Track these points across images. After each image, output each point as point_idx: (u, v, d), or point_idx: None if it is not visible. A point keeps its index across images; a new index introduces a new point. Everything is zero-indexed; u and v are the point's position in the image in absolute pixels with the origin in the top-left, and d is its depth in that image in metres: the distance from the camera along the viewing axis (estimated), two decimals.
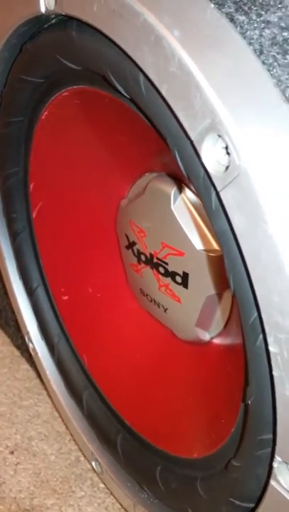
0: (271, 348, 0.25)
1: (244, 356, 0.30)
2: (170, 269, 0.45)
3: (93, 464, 0.56)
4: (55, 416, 0.65)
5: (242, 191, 0.24)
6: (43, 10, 0.35)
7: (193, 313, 0.45)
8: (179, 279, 0.45)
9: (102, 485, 0.57)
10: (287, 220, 0.23)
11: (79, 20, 0.32)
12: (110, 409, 0.52)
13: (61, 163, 0.48)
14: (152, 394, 0.49)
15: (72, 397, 0.56)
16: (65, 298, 0.55)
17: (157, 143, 0.31)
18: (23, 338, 0.62)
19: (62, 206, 0.51)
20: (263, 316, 0.25)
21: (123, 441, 0.50)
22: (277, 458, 0.28)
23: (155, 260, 0.47)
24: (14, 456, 0.62)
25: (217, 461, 0.38)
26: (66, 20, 0.35)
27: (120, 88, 0.31)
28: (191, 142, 0.25)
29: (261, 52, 0.24)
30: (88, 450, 0.56)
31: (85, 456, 0.59)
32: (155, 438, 0.47)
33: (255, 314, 0.26)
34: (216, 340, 0.46)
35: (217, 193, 0.25)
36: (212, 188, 0.26)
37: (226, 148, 0.24)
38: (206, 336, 0.46)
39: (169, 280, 0.46)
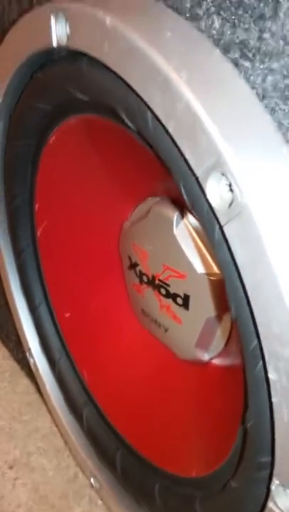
0: (270, 375, 0.26)
1: (243, 380, 0.31)
2: (171, 290, 0.46)
3: (92, 480, 0.57)
4: (54, 431, 0.66)
5: (244, 226, 0.25)
6: (54, 44, 0.36)
7: (193, 334, 0.46)
8: (180, 300, 0.46)
9: (100, 501, 0.58)
10: (287, 254, 0.25)
11: (89, 55, 0.34)
12: (110, 427, 0.53)
13: (66, 185, 0.50)
14: (152, 412, 0.50)
15: (72, 414, 0.57)
16: (67, 315, 0.56)
17: (160, 170, 0.33)
18: (23, 352, 0.63)
19: (66, 226, 0.53)
20: (263, 344, 0.27)
21: (122, 458, 0.51)
22: (275, 481, 0.29)
23: (157, 282, 0.48)
24: (13, 471, 0.62)
25: (215, 481, 0.39)
26: (77, 54, 0.36)
27: (128, 122, 0.33)
28: (196, 178, 0.27)
29: (264, 97, 0.25)
30: (87, 466, 0.57)
31: (83, 472, 0.60)
32: (154, 456, 0.48)
33: (256, 342, 0.28)
34: (216, 361, 0.47)
35: (220, 227, 0.27)
36: (216, 222, 0.27)
37: (230, 185, 0.25)
38: (205, 357, 0.47)
39: (170, 301, 0.47)
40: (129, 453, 0.50)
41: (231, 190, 0.25)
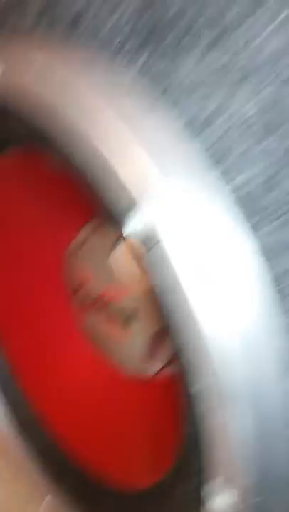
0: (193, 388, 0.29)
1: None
2: (115, 309, 0.48)
3: (46, 501, 0.56)
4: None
5: (160, 256, 0.28)
6: None
7: (138, 349, 0.48)
8: (124, 317, 0.48)
9: None
10: (197, 282, 0.28)
11: None
12: (60, 448, 0.53)
13: (7, 217, 0.51)
14: (103, 431, 0.51)
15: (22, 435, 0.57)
16: (15, 342, 0.56)
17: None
18: None
19: (11, 255, 0.54)
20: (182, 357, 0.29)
21: (75, 483, 0.51)
22: (208, 484, 0.31)
23: (101, 302, 0.50)
24: None
25: (164, 491, 0.41)
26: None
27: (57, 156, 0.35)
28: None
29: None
30: (41, 489, 0.57)
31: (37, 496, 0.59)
32: (106, 475, 0.48)
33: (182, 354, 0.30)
34: (162, 375, 0.49)
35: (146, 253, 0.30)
36: (143, 248, 0.30)
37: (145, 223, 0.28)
38: (151, 371, 0.49)
39: (115, 319, 0.49)
40: (81, 477, 0.51)
41: (147, 225, 0.28)
